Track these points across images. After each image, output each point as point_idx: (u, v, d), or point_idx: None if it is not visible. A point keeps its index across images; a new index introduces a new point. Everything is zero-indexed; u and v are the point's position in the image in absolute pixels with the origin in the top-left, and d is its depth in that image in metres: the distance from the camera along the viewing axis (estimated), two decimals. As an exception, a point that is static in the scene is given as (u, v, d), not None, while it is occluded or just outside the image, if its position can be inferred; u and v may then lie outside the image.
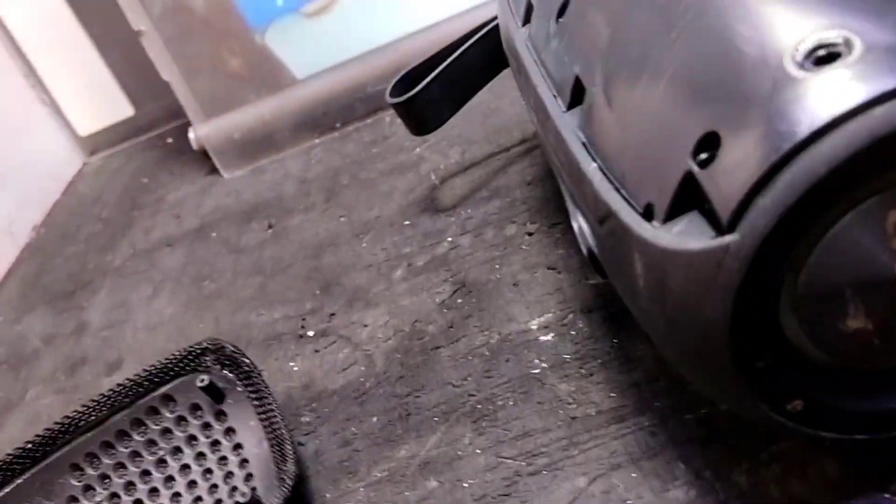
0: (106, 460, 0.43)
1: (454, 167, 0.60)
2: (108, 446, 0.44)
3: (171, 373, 0.44)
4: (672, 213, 0.25)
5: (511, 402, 0.39)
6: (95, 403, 0.44)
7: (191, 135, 0.76)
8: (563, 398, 0.38)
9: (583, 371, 0.39)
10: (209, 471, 0.43)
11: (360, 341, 0.48)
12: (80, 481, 0.43)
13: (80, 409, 0.44)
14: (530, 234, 0.49)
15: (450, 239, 0.53)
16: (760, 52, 0.23)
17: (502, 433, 0.38)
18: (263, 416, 0.42)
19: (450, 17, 0.70)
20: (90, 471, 0.43)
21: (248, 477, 0.41)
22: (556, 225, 0.49)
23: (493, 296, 0.46)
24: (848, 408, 0.26)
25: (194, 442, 0.44)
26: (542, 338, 0.42)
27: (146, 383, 0.44)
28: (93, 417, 0.44)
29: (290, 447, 0.39)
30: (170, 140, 0.90)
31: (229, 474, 0.42)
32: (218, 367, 0.44)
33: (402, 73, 0.53)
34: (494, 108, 0.63)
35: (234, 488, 0.41)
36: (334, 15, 0.72)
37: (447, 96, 0.52)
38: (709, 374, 0.26)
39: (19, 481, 0.43)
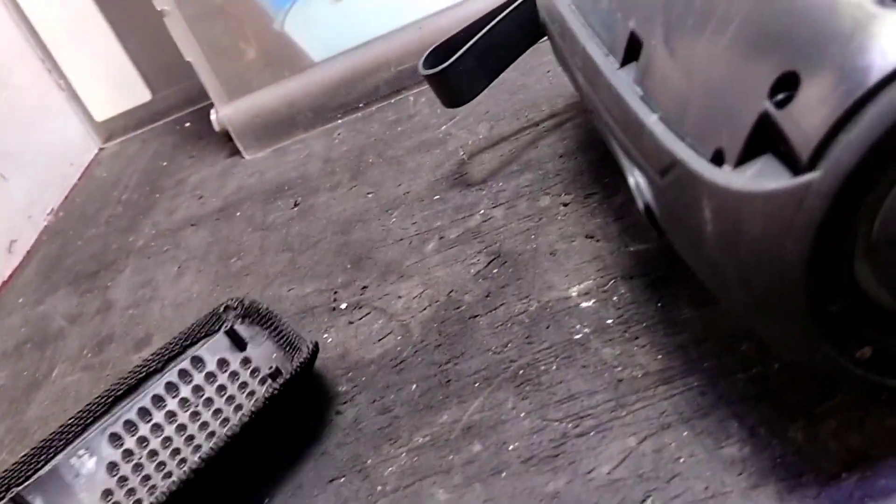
0: (143, 425, 0.44)
1: (483, 143, 0.60)
2: (144, 413, 0.44)
3: (197, 336, 0.47)
4: (744, 157, 0.25)
5: (554, 367, 0.39)
6: (129, 375, 0.46)
7: (213, 116, 0.75)
8: (608, 361, 0.38)
9: (627, 335, 0.39)
10: (240, 406, 0.45)
11: (395, 312, 0.48)
12: (118, 448, 0.43)
13: (115, 383, 0.46)
14: (566, 205, 0.49)
15: (482, 211, 0.53)
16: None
17: (547, 397, 0.38)
18: (282, 344, 0.46)
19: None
20: (128, 437, 0.44)
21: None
22: (592, 195, 0.49)
23: (530, 265, 0.46)
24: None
25: (223, 392, 0.45)
26: (584, 304, 0.42)
27: (176, 349, 0.46)
28: (126, 388, 0.45)
29: (301, 341, 0.44)
30: (187, 124, 0.90)
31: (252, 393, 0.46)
32: (239, 320, 0.47)
33: (435, 45, 0.53)
34: (521, 84, 0.63)
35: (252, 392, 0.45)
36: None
37: (481, 68, 0.52)
38: (780, 319, 0.26)
39: (58, 458, 0.43)
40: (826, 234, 0.23)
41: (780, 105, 0.23)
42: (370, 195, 0.60)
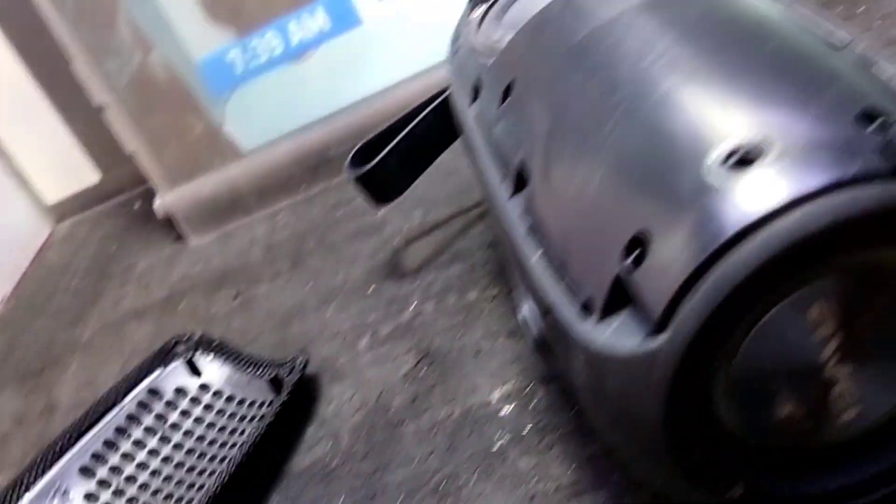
0: (111, 455, 0.46)
1: (417, 229, 0.61)
2: (109, 445, 0.47)
3: (149, 370, 0.50)
4: (607, 311, 0.25)
5: (474, 479, 0.40)
6: (86, 413, 0.48)
7: (156, 203, 0.76)
8: (524, 473, 0.39)
9: (542, 444, 0.39)
10: (212, 424, 0.49)
11: (327, 417, 0.48)
12: (92, 479, 0.45)
13: (75, 420, 0.47)
14: (492, 299, 0.50)
15: (413, 305, 0.53)
16: (683, 156, 0.24)
17: (466, 511, 0.39)
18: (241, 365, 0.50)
19: (412, 76, 0.70)
20: (99, 468, 0.46)
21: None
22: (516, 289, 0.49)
23: (456, 366, 0.47)
24: (787, 489, 0.27)
25: (187, 414, 0.49)
26: (504, 409, 0.42)
27: (129, 385, 0.49)
28: (86, 425, 0.48)
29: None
30: (137, 205, 0.90)
31: (232, 414, 0.49)
32: (191, 352, 0.51)
33: (359, 145, 0.54)
34: (454, 168, 0.64)
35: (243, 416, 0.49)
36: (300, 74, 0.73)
37: (404, 167, 0.53)
38: (648, 468, 0.26)
39: (31, 495, 0.45)
40: (681, 391, 0.23)
41: (637, 262, 0.24)
42: (309, 285, 0.61)
